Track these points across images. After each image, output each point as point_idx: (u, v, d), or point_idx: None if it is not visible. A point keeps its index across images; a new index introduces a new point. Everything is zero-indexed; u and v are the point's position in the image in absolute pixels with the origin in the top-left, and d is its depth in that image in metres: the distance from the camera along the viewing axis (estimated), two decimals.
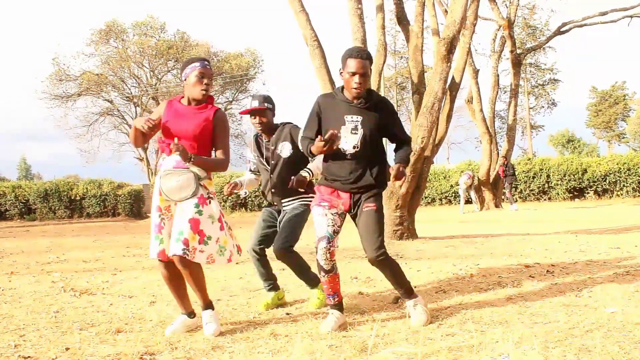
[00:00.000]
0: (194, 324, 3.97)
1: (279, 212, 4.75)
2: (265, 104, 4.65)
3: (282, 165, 4.66)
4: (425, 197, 25.71)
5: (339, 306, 3.96)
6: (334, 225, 3.90)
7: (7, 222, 27.17)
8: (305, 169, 4.51)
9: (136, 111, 44.22)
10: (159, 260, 3.85)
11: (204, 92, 3.90)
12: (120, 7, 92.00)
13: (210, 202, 3.86)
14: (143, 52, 42.71)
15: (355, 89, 3.83)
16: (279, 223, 4.67)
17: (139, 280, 6.23)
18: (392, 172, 3.85)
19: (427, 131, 9.15)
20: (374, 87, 9.67)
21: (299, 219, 4.60)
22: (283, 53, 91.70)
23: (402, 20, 10.91)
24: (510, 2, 22.56)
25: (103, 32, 41.79)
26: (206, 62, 3.94)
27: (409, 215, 9.79)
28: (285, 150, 4.65)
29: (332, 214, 3.92)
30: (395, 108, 4.04)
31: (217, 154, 4.00)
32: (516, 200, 21.88)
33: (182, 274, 3.85)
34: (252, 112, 4.67)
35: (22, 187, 28.82)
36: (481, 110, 21.41)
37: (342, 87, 3.97)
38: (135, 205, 28.78)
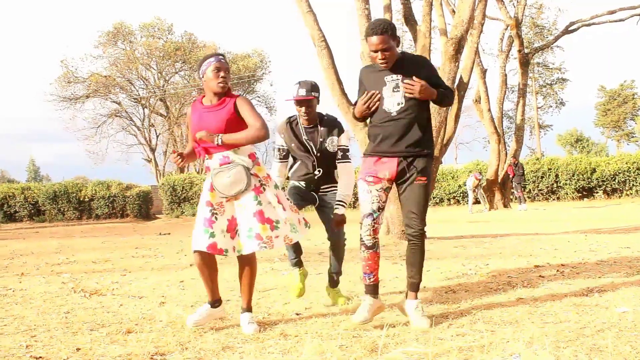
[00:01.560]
0: (219, 314, 4.04)
1: (308, 189, 4.74)
2: (313, 93, 4.53)
3: (328, 158, 4.65)
4: (434, 197, 25.68)
5: (373, 288, 3.92)
6: (378, 202, 3.89)
7: (17, 223, 27.34)
8: (337, 202, 4.56)
9: (144, 113, 44.38)
10: (196, 251, 3.91)
11: (221, 85, 3.91)
12: (127, 9, 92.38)
13: (264, 190, 3.95)
14: (150, 53, 42.85)
15: (381, 64, 3.88)
16: (319, 209, 4.75)
17: (148, 281, 6.24)
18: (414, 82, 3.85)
19: (435, 131, 9.13)
20: None
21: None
22: (290, 54, 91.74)
23: (409, 20, 10.90)
24: (517, 2, 22.52)
25: (111, 34, 41.95)
26: (221, 57, 3.98)
27: None
28: (332, 146, 4.62)
29: (377, 190, 3.90)
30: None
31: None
32: (525, 200, 21.82)
33: (213, 265, 3.99)
34: (299, 102, 4.56)
35: (31, 188, 29.01)
36: (489, 110, 21.37)
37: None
38: (143, 207, 28.90)
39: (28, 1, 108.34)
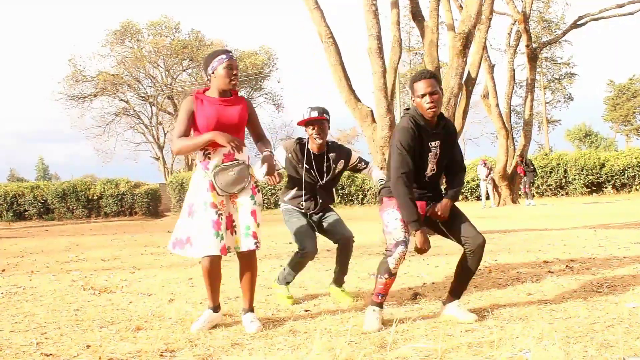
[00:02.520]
0: (218, 319, 4.02)
1: (305, 215, 4.79)
2: (325, 115, 4.59)
3: (331, 182, 4.78)
4: None
5: (382, 304, 3.92)
6: (408, 233, 3.85)
7: (26, 222, 27.49)
8: (380, 179, 4.67)
9: (152, 111, 44.50)
10: (206, 256, 3.87)
11: (234, 82, 3.91)
12: (134, 7, 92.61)
13: (258, 192, 4.03)
14: (158, 51, 42.96)
15: (429, 109, 3.77)
16: (315, 223, 4.78)
17: (157, 278, 6.26)
18: (440, 208, 3.88)
19: None
20: (389, 84, 9.63)
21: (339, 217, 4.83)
22: (298, 51, 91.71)
23: (416, 16, 10.87)
24: None
25: (118, 33, 42.11)
26: (231, 54, 3.97)
27: None
28: (339, 167, 4.74)
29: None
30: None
31: (257, 136, 4.14)
32: (533, 196, 21.73)
33: (220, 271, 3.96)
34: (312, 122, 4.59)
35: (40, 187, 29.17)
36: (497, 105, 21.29)
37: (415, 111, 3.89)
38: (152, 204, 29.00)
39: (36, 1, 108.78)
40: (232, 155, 3.90)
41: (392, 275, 3.81)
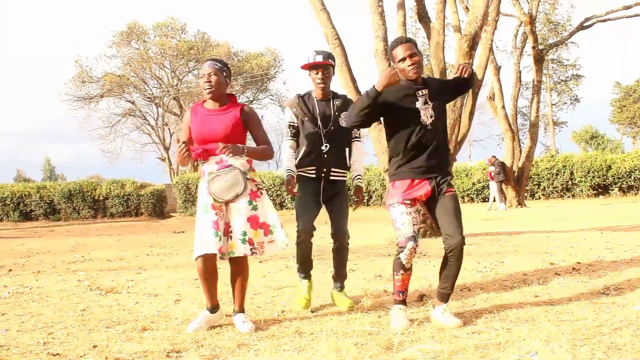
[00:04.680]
0: (217, 320, 4.02)
1: (318, 182, 4.48)
2: (330, 60, 4.45)
3: (340, 133, 4.47)
4: None
5: (404, 301, 3.98)
6: (417, 224, 3.92)
7: (33, 222, 27.56)
8: (357, 177, 4.57)
9: (158, 112, 44.59)
10: (200, 256, 3.89)
11: (207, 91, 3.97)
12: (141, 9, 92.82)
13: (262, 194, 4.02)
14: (164, 53, 43.03)
15: (412, 69, 3.88)
16: (327, 202, 4.52)
17: (163, 278, 6.27)
18: (458, 69, 4.01)
19: (449, 129, 9.10)
20: None
21: (347, 213, 4.58)
22: (304, 52, 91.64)
23: (423, 17, 10.85)
24: None
25: (124, 34, 42.21)
26: (210, 62, 4.03)
27: None
28: (345, 121, 4.35)
29: (414, 212, 3.92)
30: None
31: (258, 144, 4.11)
32: (506, 199, 21.12)
33: (215, 271, 3.97)
34: (316, 67, 4.44)
35: (46, 187, 29.23)
36: (503, 107, 21.25)
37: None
38: (157, 205, 29.02)
39: (43, 2, 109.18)
40: (225, 162, 3.93)
41: (406, 270, 3.88)
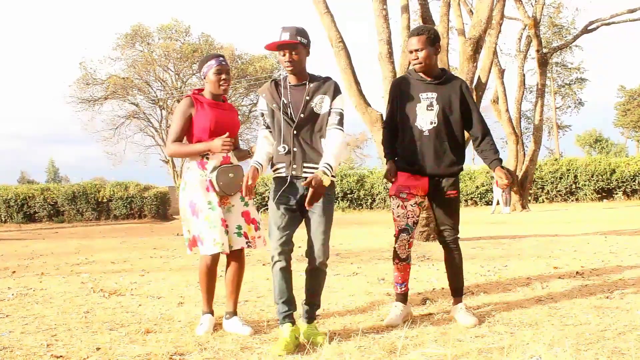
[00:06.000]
0: (214, 322, 4.05)
1: (291, 184, 3.64)
2: (298, 38, 3.58)
3: (312, 122, 3.64)
4: None
5: (404, 296, 4.06)
6: (413, 217, 3.97)
7: (37, 224, 27.63)
8: (325, 165, 3.50)
9: (161, 114, 44.62)
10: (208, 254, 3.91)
11: (223, 87, 4.01)
12: (145, 11, 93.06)
13: (250, 192, 4.02)
14: (168, 55, 43.12)
15: (414, 64, 3.95)
16: (303, 208, 3.62)
17: (166, 281, 6.27)
18: (499, 176, 3.88)
19: None
20: None
21: (331, 223, 3.64)
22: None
23: (427, 20, 10.85)
24: (536, 1, 22.34)
25: (129, 36, 42.31)
26: (221, 58, 4.05)
27: None
28: (324, 106, 3.63)
29: (411, 205, 3.96)
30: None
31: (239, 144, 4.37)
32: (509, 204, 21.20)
33: (215, 271, 3.98)
34: (282, 46, 3.60)
35: (50, 189, 29.31)
36: (507, 110, 21.24)
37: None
38: (161, 207, 29.07)
39: (48, 5, 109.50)
40: (229, 158, 4.01)
41: (401, 260, 3.98)
